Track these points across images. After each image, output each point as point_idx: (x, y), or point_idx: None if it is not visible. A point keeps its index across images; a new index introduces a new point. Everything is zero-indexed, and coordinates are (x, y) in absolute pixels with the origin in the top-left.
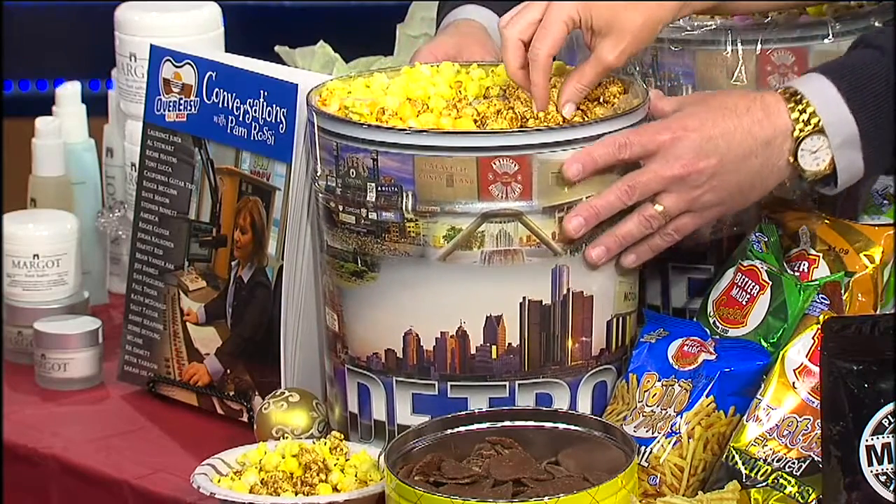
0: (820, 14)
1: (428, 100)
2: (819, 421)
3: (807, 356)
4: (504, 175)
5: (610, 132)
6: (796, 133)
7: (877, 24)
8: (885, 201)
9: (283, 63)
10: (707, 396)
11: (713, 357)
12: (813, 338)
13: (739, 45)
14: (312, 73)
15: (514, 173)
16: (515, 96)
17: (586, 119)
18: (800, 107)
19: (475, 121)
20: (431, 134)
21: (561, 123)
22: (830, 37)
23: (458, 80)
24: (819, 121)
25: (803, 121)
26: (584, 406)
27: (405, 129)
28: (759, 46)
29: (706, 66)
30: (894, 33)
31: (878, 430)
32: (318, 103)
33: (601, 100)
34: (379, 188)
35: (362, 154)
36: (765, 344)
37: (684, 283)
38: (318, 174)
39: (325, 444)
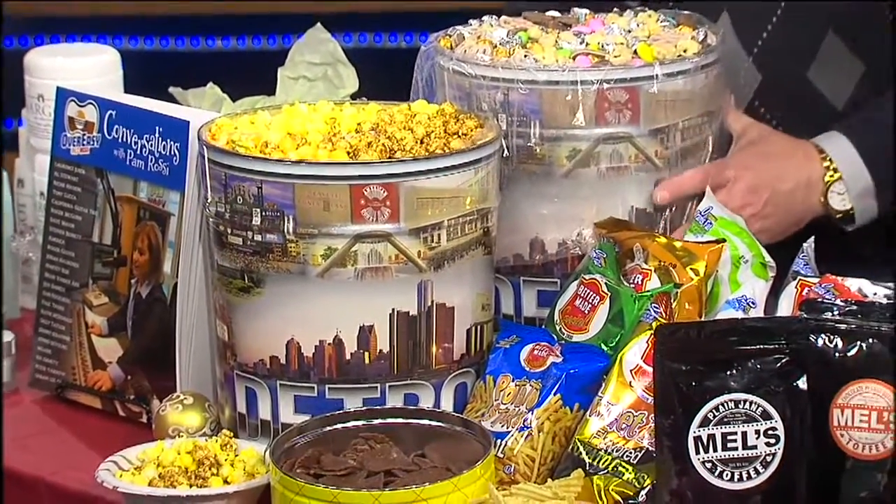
0: (650, 58)
1: (306, 134)
2: (653, 415)
3: (642, 358)
4: (374, 201)
5: (467, 162)
6: (826, 178)
7: (701, 68)
8: (707, 221)
9: (177, 102)
10: (555, 395)
11: (560, 360)
12: (647, 342)
13: (580, 85)
14: (203, 111)
15: (384, 199)
16: (383, 131)
17: (447, 150)
18: (826, 161)
19: (348, 152)
20: (309, 164)
21: (424, 155)
22: (659, 78)
23: (333, 117)
24: (841, 174)
25: (833, 169)
26: (447, 405)
27: (286, 161)
28: (596, 87)
29: (551, 104)
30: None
31: (704, 422)
32: (208, 138)
33: (459, 133)
34: (263, 213)
35: (248, 183)
36: (605, 348)
37: (534, 294)
38: (209, 201)
39: (217, 441)
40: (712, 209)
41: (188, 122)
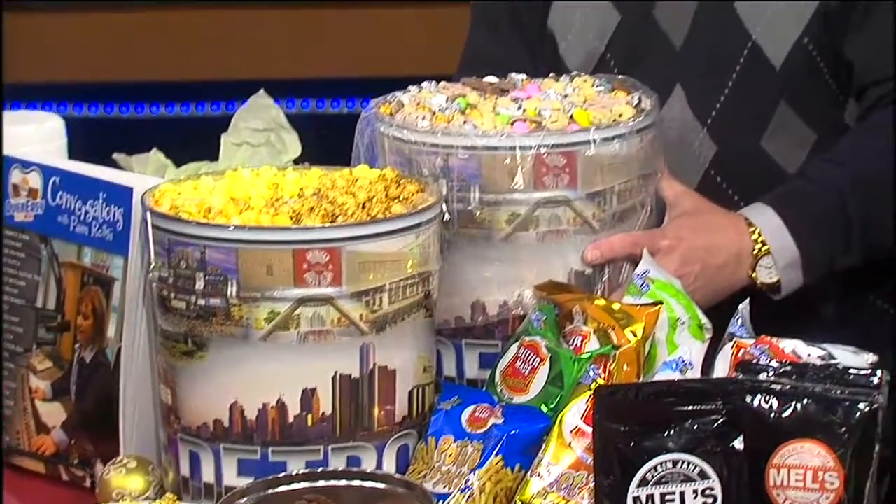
0: (586, 123)
1: (249, 199)
2: (592, 475)
3: (581, 419)
4: (317, 265)
5: (408, 226)
6: (755, 252)
7: (637, 132)
8: (645, 284)
9: (121, 168)
10: (496, 455)
11: (501, 421)
12: (586, 403)
13: (518, 150)
14: (146, 176)
15: (326, 263)
16: (325, 196)
17: (388, 215)
18: (754, 234)
19: (291, 217)
20: (252, 229)
21: (365, 219)
22: (595, 142)
23: (276, 182)
24: (769, 248)
25: (761, 242)
26: (390, 466)
27: (229, 226)
28: (534, 151)
29: (490, 169)
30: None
31: (643, 482)
32: (152, 203)
33: (400, 198)
34: (206, 277)
35: (191, 248)
36: (545, 409)
37: (476, 356)
38: (153, 266)
39: None
40: (649, 272)
41: (132, 188)
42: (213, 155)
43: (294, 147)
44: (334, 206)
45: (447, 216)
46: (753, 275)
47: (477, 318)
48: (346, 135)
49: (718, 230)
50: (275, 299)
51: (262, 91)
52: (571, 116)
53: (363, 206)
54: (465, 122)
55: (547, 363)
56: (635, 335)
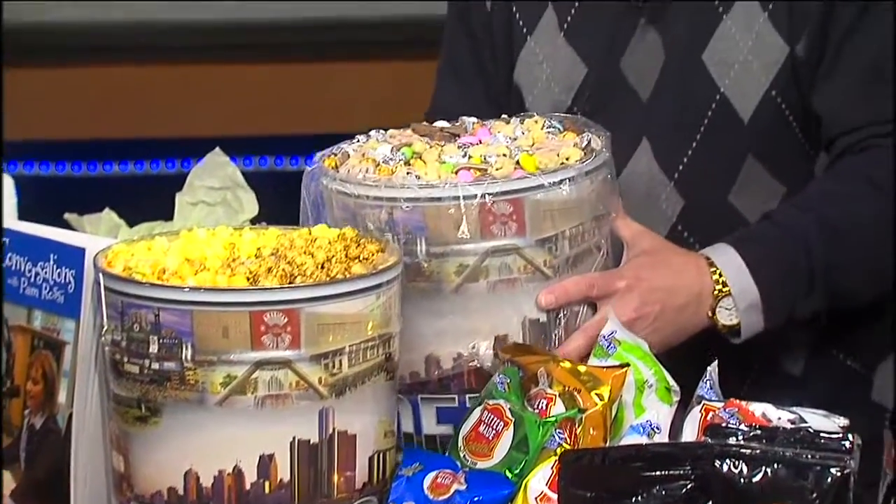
0: (532, 169)
1: (205, 260)
2: None
3: (546, 485)
4: (275, 327)
5: (368, 287)
6: (715, 293)
7: (585, 174)
8: (611, 345)
9: (73, 229)
10: None
11: (464, 487)
12: (551, 468)
13: (462, 200)
14: (99, 237)
15: (284, 325)
16: (283, 256)
17: (348, 275)
18: (715, 274)
19: (248, 278)
20: (208, 291)
21: (325, 280)
22: (542, 187)
23: (232, 242)
24: (729, 289)
25: (722, 283)
26: None
27: (184, 287)
28: (478, 200)
29: (435, 221)
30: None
31: None
32: (104, 265)
33: (360, 258)
34: (161, 340)
35: (145, 310)
36: (509, 475)
37: (433, 412)
38: (105, 329)
39: None
40: (616, 333)
41: (84, 249)
42: (167, 214)
43: (251, 206)
44: (292, 267)
45: None
46: (714, 316)
47: (432, 373)
48: None
49: (679, 270)
50: (231, 363)
51: (217, 149)
52: (518, 162)
53: (322, 267)
54: (408, 173)
55: (511, 427)
56: (602, 398)
